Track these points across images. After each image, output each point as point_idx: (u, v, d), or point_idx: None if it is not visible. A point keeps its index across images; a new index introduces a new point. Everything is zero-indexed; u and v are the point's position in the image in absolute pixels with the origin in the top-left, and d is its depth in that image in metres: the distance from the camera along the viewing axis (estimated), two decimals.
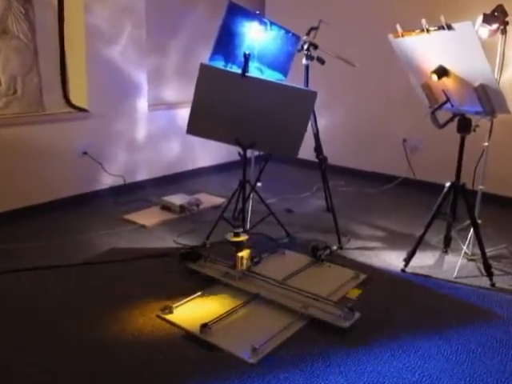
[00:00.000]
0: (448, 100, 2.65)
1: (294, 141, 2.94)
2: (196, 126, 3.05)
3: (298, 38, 3.32)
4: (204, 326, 2.21)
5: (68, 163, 3.77)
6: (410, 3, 4.21)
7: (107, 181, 4.05)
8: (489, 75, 2.41)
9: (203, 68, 2.95)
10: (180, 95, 4.61)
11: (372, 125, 4.72)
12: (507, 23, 2.77)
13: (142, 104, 4.23)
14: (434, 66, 2.57)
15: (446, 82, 2.59)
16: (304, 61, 3.30)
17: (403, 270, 2.88)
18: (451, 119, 2.69)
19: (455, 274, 2.83)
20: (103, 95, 3.92)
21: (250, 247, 2.68)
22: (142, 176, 4.34)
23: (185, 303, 2.45)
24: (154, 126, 4.36)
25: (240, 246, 2.64)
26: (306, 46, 3.25)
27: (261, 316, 2.38)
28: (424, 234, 2.85)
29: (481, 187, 3.04)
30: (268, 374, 1.97)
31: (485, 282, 2.76)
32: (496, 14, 2.75)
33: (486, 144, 2.95)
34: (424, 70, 2.65)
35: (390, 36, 2.67)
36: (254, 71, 3.22)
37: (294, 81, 3.16)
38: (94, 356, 2.06)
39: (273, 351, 2.10)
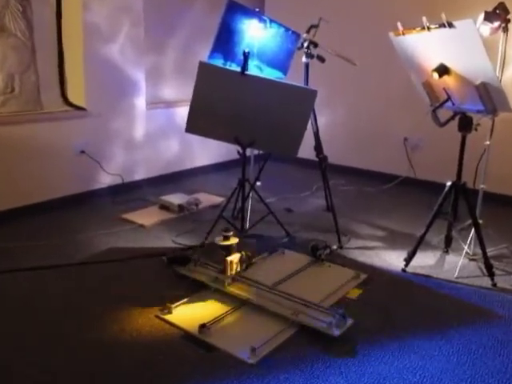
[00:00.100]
0: (449, 98, 2.63)
1: (294, 139, 2.93)
2: (195, 125, 3.04)
3: (297, 35, 3.30)
4: (203, 326, 2.19)
5: (66, 162, 3.75)
6: (410, 1, 4.19)
7: (105, 180, 4.03)
8: (490, 73, 2.39)
9: (202, 66, 2.94)
10: (179, 93, 4.59)
11: (372, 123, 4.70)
12: (509, 21, 2.76)
13: (140, 102, 4.21)
14: (434, 64, 2.55)
15: (447, 80, 2.57)
16: (304, 59, 3.28)
17: (404, 270, 2.87)
18: (452, 118, 2.68)
19: (456, 273, 2.82)
20: (101, 93, 3.90)
21: (240, 251, 2.61)
22: (140, 175, 4.32)
23: (184, 303, 2.43)
24: (152, 125, 4.34)
25: (230, 250, 2.57)
26: (305, 44, 3.23)
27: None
28: (425, 233, 2.84)
29: (482, 186, 3.03)
30: (267, 375, 1.96)
31: (486, 282, 2.74)
32: (497, 11, 2.74)
33: (488, 143, 2.93)
34: (425, 68, 2.63)
35: (391, 34, 2.65)
36: (253, 69, 3.20)
37: (294, 79, 3.15)
38: (93, 356, 2.05)
39: (272, 352, 2.09)
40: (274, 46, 3.29)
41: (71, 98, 3.83)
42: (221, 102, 2.96)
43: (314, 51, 3.26)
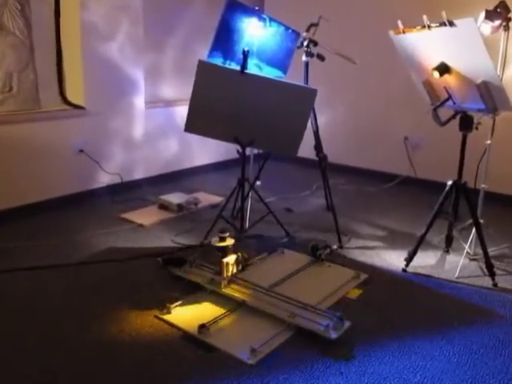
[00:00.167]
0: (450, 97, 2.62)
1: (294, 139, 2.91)
2: (194, 124, 3.03)
3: (297, 34, 3.29)
4: (202, 326, 2.18)
5: (64, 161, 3.73)
6: None
7: (104, 179, 4.01)
8: (491, 72, 2.38)
9: (201, 65, 2.92)
10: (178, 92, 4.57)
11: (373, 122, 4.69)
12: (510, 19, 2.74)
13: (139, 101, 4.19)
14: (435, 62, 2.54)
15: (448, 79, 2.56)
16: (304, 58, 3.27)
17: (404, 270, 2.86)
18: (453, 117, 2.67)
19: (457, 273, 2.81)
20: (100, 92, 3.88)
21: (236, 252, 2.57)
22: (139, 174, 4.30)
23: (182, 303, 2.41)
24: (151, 124, 4.33)
25: (226, 252, 2.54)
26: (305, 43, 3.22)
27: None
28: (425, 233, 2.82)
29: (483, 186, 3.01)
30: (267, 376, 1.95)
31: (487, 281, 2.73)
32: (498, 10, 2.72)
33: (489, 142, 2.92)
34: (425, 66, 2.62)
35: (391, 32, 2.64)
36: (252, 68, 3.19)
37: (294, 78, 3.14)
38: (93, 356, 2.05)
39: (272, 352, 2.08)
40: (273, 45, 3.28)
41: (70, 96, 3.81)
42: (220, 101, 2.94)
43: (314, 50, 3.24)
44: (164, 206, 3.75)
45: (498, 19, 2.71)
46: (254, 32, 3.16)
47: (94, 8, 3.71)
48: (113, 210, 3.72)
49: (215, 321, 2.25)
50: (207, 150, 4.82)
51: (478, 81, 2.43)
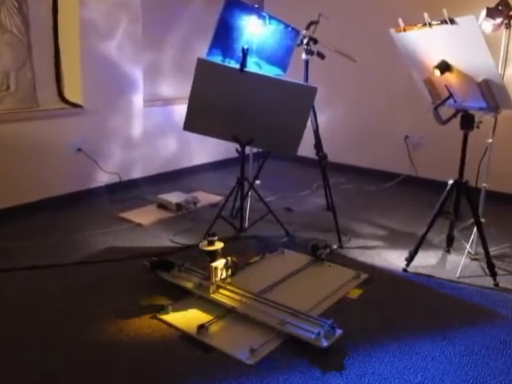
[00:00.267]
0: (451, 96, 2.61)
1: (294, 138, 2.90)
2: (193, 123, 3.01)
3: (297, 32, 3.27)
4: (201, 326, 2.17)
5: (62, 160, 3.71)
6: None
7: (102, 178, 4.00)
8: (492, 70, 2.37)
9: (200, 63, 2.91)
10: (177, 91, 4.55)
11: (373, 121, 4.67)
12: (511, 17, 2.72)
13: (138, 100, 4.17)
14: (436, 60, 2.52)
15: (449, 77, 2.54)
16: (303, 56, 3.24)
17: (405, 270, 2.85)
18: (454, 115, 2.65)
19: (458, 273, 2.79)
20: (98, 91, 3.86)
21: (225, 256, 2.48)
22: (137, 173, 4.29)
23: (181, 304, 2.40)
24: (149, 123, 4.31)
25: (214, 256, 2.46)
26: (305, 41, 3.20)
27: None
28: (426, 232, 2.81)
29: (484, 185, 3.00)
30: (267, 376, 1.93)
31: (488, 281, 2.72)
32: (500, 7, 2.71)
33: (490, 140, 2.91)
34: (426, 65, 2.60)
35: (392, 30, 2.62)
36: (252, 66, 3.17)
37: (294, 76, 3.12)
38: (93, 356, 2.05)
39: (271, 353, 2.06)
40: (273, 43, 3.26)
41: (68, 95, 3.79)
42: (219, 99, 2.93)
43: (314, 48, 3.23)
44: (163, 206, 3.74)
45: (500, 17, 2.70)
46: (254, 30, 3.15)
47: (92, 5, 3.69)
48: (111, 209, 3.71)
49: (214, 321, 2.23)
50: (206, 149, 4.80)
51: (480, 79, 2.41)
